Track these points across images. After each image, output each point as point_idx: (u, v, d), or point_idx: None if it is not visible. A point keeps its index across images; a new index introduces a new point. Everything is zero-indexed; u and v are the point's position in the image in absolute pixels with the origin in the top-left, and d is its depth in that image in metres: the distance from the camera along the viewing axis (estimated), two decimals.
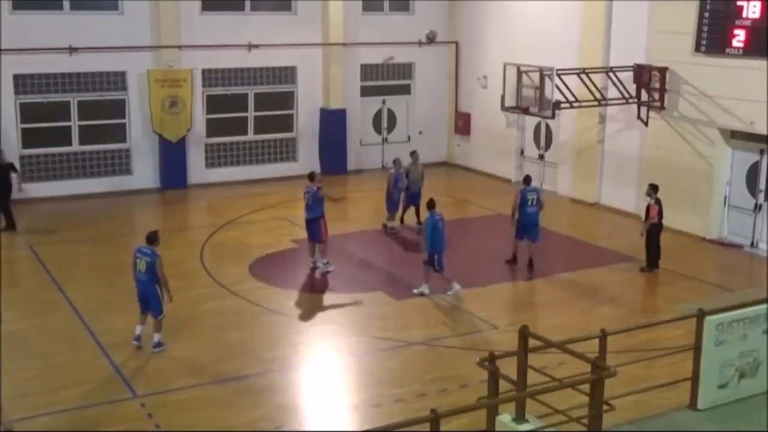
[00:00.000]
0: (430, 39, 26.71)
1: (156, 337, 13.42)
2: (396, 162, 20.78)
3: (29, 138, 22.91)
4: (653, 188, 17.42)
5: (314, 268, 17.33)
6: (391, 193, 20.34)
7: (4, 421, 10.37)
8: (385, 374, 12.85)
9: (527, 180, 18.23)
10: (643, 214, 17.86)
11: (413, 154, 21.13)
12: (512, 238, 18.01)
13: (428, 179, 21.38)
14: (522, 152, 25.89)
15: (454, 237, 20.13)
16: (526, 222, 17.66)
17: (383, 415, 11.40)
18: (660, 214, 17.28)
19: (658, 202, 17.25)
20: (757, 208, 19.19)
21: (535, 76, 20.09)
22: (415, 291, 16.08)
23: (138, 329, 13.50)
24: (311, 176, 17.74)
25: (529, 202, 17.65)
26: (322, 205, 17.19)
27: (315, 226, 17.22)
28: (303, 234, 19.88)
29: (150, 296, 13.35)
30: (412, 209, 20.84)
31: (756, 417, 10.12)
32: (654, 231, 17.38)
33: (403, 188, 20.37)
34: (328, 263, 17.33)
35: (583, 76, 20.51)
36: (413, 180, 20.56)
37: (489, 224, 21.42)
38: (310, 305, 15.59)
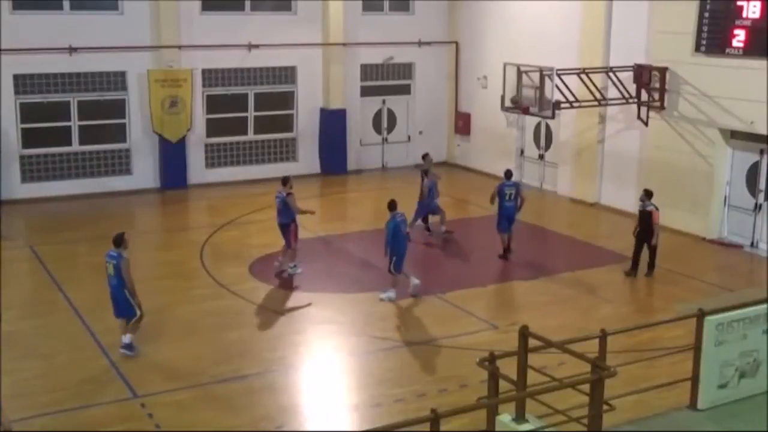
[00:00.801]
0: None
1: (127, 338, 13.14)
2: (426, 158, 20.71)
3: (29, 138, 22.91)
4: (648, 194, 17.05)
5: (281, 272, 17.07)
6: (426, 202, 19.91)
7: (3, 421, 10.36)
8: (385, 374, 12.86)
9: (508, 174, 18.64)
10: (655, 218, 17.01)
11: (426, 156, 20.98)
12: (498, 234, 18.60)
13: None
14: (522, 152, 25.89)
15: (455, 237, 20.17)
16: (504, 215, 18.27)
17: (383, 415, 11.40)
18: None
19: (656, 208, 16.94)
20: (757, 208, 19.19)
21: (535, 76, 20.08)
22: (383, 296, 15.78)
23: (124, 338, 13.20)
24: (284, 180, 17.40)
25: (507, 197, 18.22)
26: (293, 211, 16.92)
27: (286, 231, 17.01)
28: (303, 233, 19.90)
29: (119, 300, 13.11)
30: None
31: (756, 417, 10.12)
32: (647, 237, 17.01)
33: (436, 196, 20.01)
34: (294, 266, 17.05)
35: (583, 76, 20.51)
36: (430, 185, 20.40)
37: (489, 224, 21.29)
38: (310, 305, 15.57)
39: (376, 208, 22.68)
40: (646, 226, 16.99)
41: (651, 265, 17.32)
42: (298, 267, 17.18)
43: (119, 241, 13.14)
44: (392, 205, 15.91)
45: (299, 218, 17.23)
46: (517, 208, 18.35)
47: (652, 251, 17.20)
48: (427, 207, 20.02)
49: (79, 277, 17.08)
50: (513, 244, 18.43)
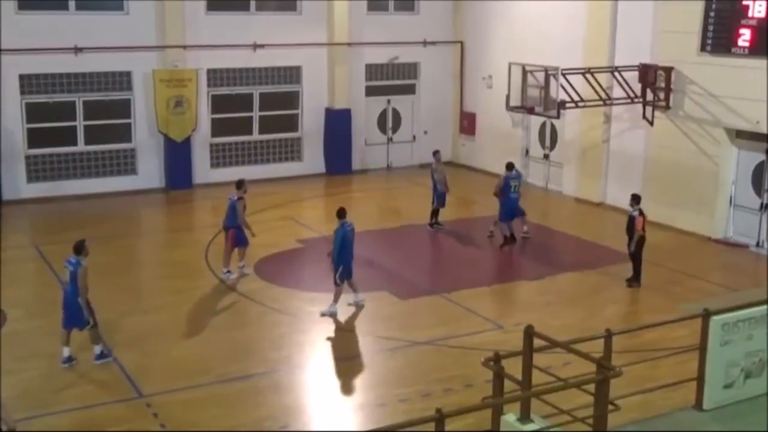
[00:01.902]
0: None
1: (96, 349, 12.97)
2: (436, 154, 20.74)
3: (35, 138, 22.94)
4: (635, 199, 16.55)
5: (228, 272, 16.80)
6: (503, 201, 19.21)
7: (5, 419, 10.36)
8: (389, 374, 12.85)
9: (510, 166, 18.91)
10: (637, 224, 16.47)
11: (436, 153, 20.96)
12: (499, 224, 18.89)
13: None
14: (527, 152, 25.87)
15: (459, 237, 20.17)
16: (511, 206, 18.58)
17: (388, 414, 11.39)
18: (643, 226, 16.45)
19: (641, 213, 16.45)
20: (763, 207, 19.14)
21: (541, 76, 20.06)
22: (324, 311, 15.04)
23: (65, 351, 12.87)
24: (238, 184, 16.96)
25: (512, 188, 18.48)
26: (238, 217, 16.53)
27: (239, 233, 16.73)
28: (308, 233, 19.97)
29: (71, 307, 12.79)
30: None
31: (762, 417, 10.10)
32: (639, 244, 16.49)
33: (517, 195, 19.51)
34: (228, 272, 16.82)
35: (588, 75, 20.49)
36: (439, 180, 20.38)
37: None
38: (315, 305, 15.57)
39: (381, 208, 22.74)
40: (629, 231, 16.51)
41: (634, 276, 16.66)
42: (232, 273, 16.84)
43: (79, 249, 12.88)
44: (341, 213, 14.94)
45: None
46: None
47: (633, 260, 16.60)
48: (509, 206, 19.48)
49: None
50: (517, 240, 18.60)
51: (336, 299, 15.09)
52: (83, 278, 12.69)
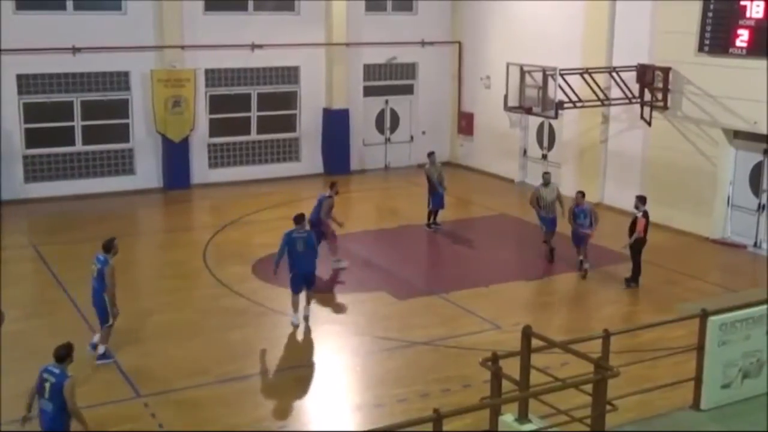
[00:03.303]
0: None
1: (101, 349, 13.05)
2: (431, 155, 20.73)
3: (33, 138, 22.93)
4: (641, 200, 16.62)
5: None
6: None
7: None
8: (387, 374, 12.86)
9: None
10: (635, 224, 16.55)
11: (431, 155, 20.95)
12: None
13: None
14: (525, 152, 25.89)
15: (457, 237, 20.18)
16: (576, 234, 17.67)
17: (386, 415, 11.40)
18: (645, 228, 16.46)
19: (645, 215, 16.47)
20: (761, 208, 19.16)
21: (538, 76, 20.06)
22: (293, 321, 14.63)
23: (101, 348, 13.08)
24: (331, 185, 17.67)
25: (581, 216, 17.41)
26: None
27: (320, 230, 17.10)
28: None
29: (98, 303, 12.98)
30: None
31: (759, 417, 10.11)
32: (638, 246, 16.54)
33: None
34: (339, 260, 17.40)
35: (586, 75, 20.50)
36: (434, 181, 20.35)
37: (492, 224, 21.42)
38: (313, 305, 15.57)
39: (379, 208, 22.75)
40: (632, 232, 16.50)
41: (632, 276, 16.67)
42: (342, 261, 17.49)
43: (109, 246, 13.01)
44: (297, 219, 14.72)
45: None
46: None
47: (632, 260, 16.60)
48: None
49: (82, 277, 16.91)
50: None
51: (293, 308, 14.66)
52: (111, 276, 12.78)
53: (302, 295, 14.71)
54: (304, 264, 14.50)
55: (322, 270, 17.43)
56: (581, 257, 17.31)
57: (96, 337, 13.17)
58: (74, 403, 9.49)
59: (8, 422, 11.08)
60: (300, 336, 14.34)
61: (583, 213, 17.21)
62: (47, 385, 9.56)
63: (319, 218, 17.15)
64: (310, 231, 14.76)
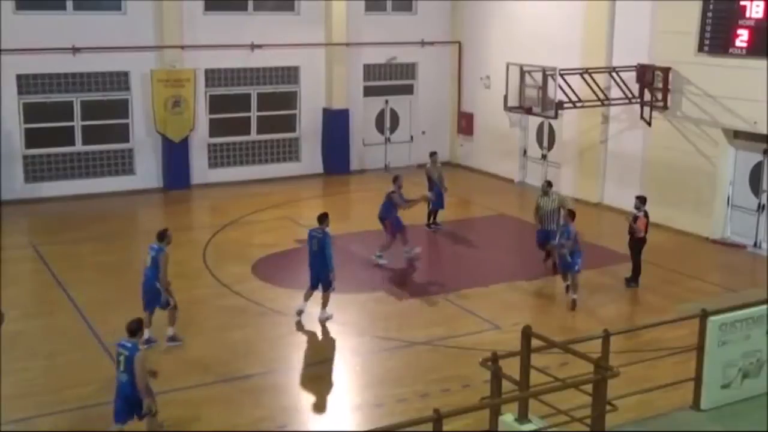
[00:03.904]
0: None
1: (170, 331, 13.59)
2: (433, 155, 20.78)
3: (32, 138, 22.93)
4: (641, 200, 16.61)
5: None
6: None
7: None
8: (387, 374, 12.86)
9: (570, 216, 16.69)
10: (639, 224, 16.45)
11: (433, 155, 20.94)
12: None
13: None
14: (525, 152, 25.89)
15: (457, 237, 20.18)
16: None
17: (386, 415, 11.40)
18: (646, 228, 16.45)
19: (646, 215, 16.47)
20: (761, 208, 19.17)
21: (538, 76, 20.07)
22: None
23: (146, 332, 12.99)
24: (395, 179, 18.30)
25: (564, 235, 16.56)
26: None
27: (396, 222, 17.91)
28: (306, 234, 19.92)
29: (150, 291, 13.48)
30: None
31: (759, 417, 10.12)
32: (638, 245, 16.58)
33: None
34: (380, 256, 17.78)
35: (586, 76, 20.49)
36: (435, 181, 20.36)
37: (492, 224, 21.43)
38: (313, 305, 15.57)
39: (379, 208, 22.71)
40: (632, 231, 16.52)
41: (632, 276, 16.70)
42: (383, 257, 17.95)
43: (162, 236, 13.55)
44: (319, 218, 14.78)
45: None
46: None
47: (632, 260, 16.65)
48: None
49: (82, 277, 17.09)
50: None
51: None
52: (164, 263, 13.29)
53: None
54: (314, 263, 14.70)
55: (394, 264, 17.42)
56: (567, 283, 15.92)
57: (147, 333, 13.17)
58: (143, 374, 10.19)
59: (8, 422, 11.08)
60: (300, 336, 14.34)
61: (567, 233, 15.67)
62: (121, 358, 10.29)
63: (392, 215, 17.98)
64: (326, 233, 14.68)
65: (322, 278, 14.67)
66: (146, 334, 13.14)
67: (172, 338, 13.60)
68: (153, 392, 10.54)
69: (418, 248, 18.30)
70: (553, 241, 16.45)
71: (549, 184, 17.97)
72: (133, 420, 10.34)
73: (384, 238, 18.11)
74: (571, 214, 15.96)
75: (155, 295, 13.45)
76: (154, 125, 23.84)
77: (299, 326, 14.67)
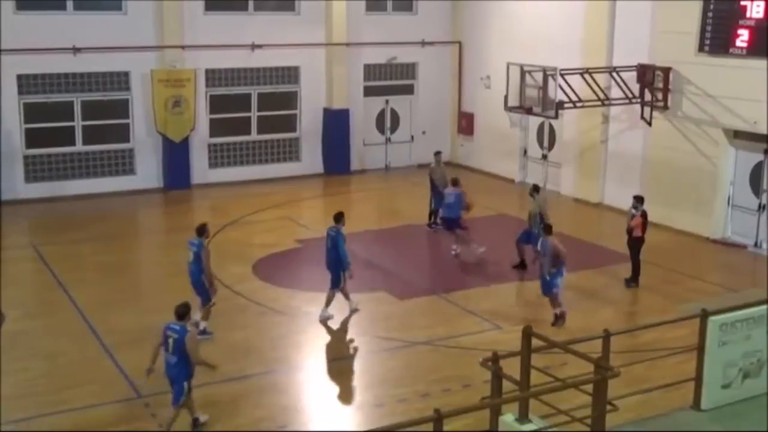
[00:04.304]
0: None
1: (201, 325, 13.77)
2: (437, 155, 20.79)
3: (33, 138, 22.93)
4: (638, 200, 16.59)
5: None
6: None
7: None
8: (388, 374, 12.86)
9: (537, 189, 17.92)
10: (632, 222, 16.52)
11: (437, 154, 20.92)
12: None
13: None
14: (525, 152, 25.89)
15: (457, 237, 20.15)
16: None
17: (386, 415, 11.41)
18: (643, 227, 16.45)
19: (643, 214, 16.43)
20: (761, 208, 19.16)
21: (539, 76, 20.07)
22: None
23: (201, 324, 13.80)
24: (454, 181, 18.45)
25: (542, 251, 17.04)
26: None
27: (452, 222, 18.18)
28: (307, 234, 19.99)
29: (196, 285, 13.85)
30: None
31: (759, 417, 10.11)
32: (637, 245, 16.58)
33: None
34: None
35: (587, 75, 20.49)
36: (438, 181, 20.34)
37: (492, 224, 21.40)
38: (313, 305, 15.58)
39: (380, 208, 22.73)
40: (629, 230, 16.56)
41: (633, 276, 16.70)
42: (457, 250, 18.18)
43: (201, 231, 13.93)
44: (335, 216, 15.01)
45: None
46: None
47: (632, 260, 16.65)
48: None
49: (83, 278, 17.10)
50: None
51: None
52: (207, 257, 13.71)
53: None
54: (327, 260, 14.86)
55: (320, 270, 17.44)
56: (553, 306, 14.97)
57: (201, 324, 13.73)
58: (197, 353, 10.78)
59: (8, 422, 11.08)
60: (300, 336, 14.34)
61: (544, 248, 14.89)
62: (170, 340, 10.79)
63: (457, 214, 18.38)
64: (339, 231, 14.83)
65: (332, 274, 14.81)
66: (201, 325, 13.75)
67: (203, 332, 13.70)
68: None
69: (483, 248, 18.49)
70: (534, 246, 16.18)
71: (535, 188, 17.98)
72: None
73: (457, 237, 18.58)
74: (547, 228, 15.12)
75: (199, 289, 13.81)
76: (155, 125, 23.84)
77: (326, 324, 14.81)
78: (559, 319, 14.72)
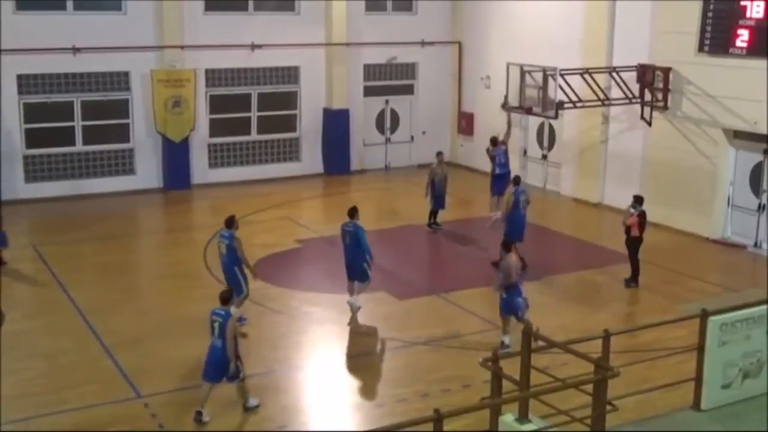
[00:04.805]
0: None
1: (236, 313, 13.68)
2: (439, 155, 20.79)
3: (33, 138, 22.93)
4: (637, 200, 16.54)
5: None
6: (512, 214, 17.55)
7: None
8: (387, 374, 12.87)
9: (517, 180, 17.98)
10: (628, 221, 16.49)
11: (439, 154, 20.92)
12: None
13: None
14: (525, 152, 25.88)
15: (457, 237, 20.18)
16: (520, 224, 17.39)
17: (386, 415, 11.41)
18: (641, 227, 16.41)
19: (641, 214, 16.39)
20: (761, 208, 19.16)
21: (538, 76, 20.07)
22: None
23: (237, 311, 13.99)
24: (516, 180, 17.94)
25: (522, 204, 17.33)
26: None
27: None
28: (307, 234, 20.00)
29: (229, 276, 14.10)
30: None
31: (759, 417, 10.11)
32: (635, 244, 16.55)
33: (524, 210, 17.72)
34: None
35: (587, 76, 20.49)
36: (438, 182, 20.35)
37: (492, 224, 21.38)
38: (313, 305, 15.58)
39: (380, 208, 22.73)
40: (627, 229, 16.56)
41: (632, 276, 16.70)
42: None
43: (231, 223, 14.22)
44: (349, 212, 14.87)
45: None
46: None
47: (631, 260, 16.64)
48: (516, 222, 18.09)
49: (82, 278, 17.10)
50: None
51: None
52: (240, 247, 14.03)
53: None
54: (347, 255, 14.75)
55: (320, 270, 17.45)
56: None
57: (236, 312, 13.64)
58: (234, 337, 11.14)
59: (8, 422, 11.08)
60: (300, 336, 14.34)
61: (503, 269, 13.64)
62: (216, 325, 11.20)
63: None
64: (357, 225, 14.73)
65: (356, 270, 14.72)
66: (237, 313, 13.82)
67: (239, 318, 13.79)
68: (241, 357, 11.34)
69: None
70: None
71: (516, 179, 18.16)
72: (222, 381, 11.23)
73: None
74: (505, 245, 13.86)
75: (231, 280, 14.00)
76: (155, 125, 23.84)
77: (353, 320, 14.81)
78: (503, 347, 13.14)
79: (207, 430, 11.09)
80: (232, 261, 14.04)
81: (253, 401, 11.73)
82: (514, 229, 17.28)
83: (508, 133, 21.33)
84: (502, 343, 13.44)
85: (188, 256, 18.42)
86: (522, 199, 17.37)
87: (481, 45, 26.83)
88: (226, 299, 11.45)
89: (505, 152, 20.64)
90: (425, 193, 20.35)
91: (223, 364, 11.16)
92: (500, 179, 20.23)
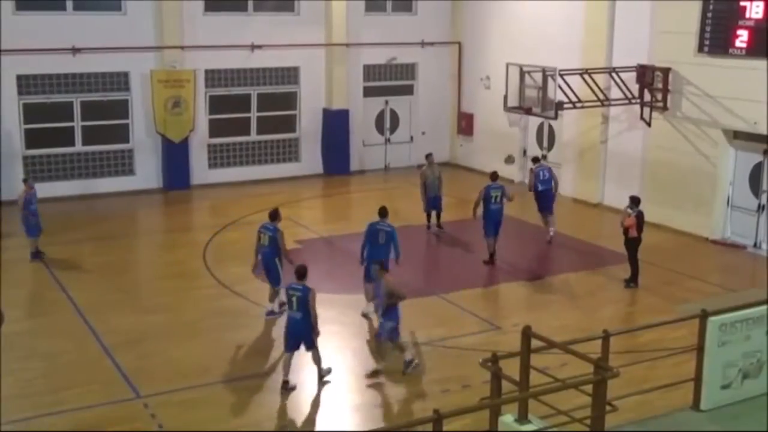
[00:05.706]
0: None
1: (269, 306, 14.80)
2: (429, 157, 20.76)
3: (32, 138, 22.93)
4: (634, 201, 16.54)
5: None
6: (484, 213, 17.97)
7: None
8: (387, 374, 12.83)
9: (494, 177, 18.31)
10: (625, 221, 16.52)
11: (429, 156, 20.93)
12: (484, 238, 18.09)
13: None
14: (525, 152, 25.88)
15: (458, 237, 20.18)
16: (492, 218, 17.84)
17: (386, 415, 11.40)
18: (639, 227, 16.40)
19: (639, 215, 16.39)
20: (760, 208, 19.17)
21: (538, 77, 20.08)
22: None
23: (268, 306, 14.89)
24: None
25: (494, 199, 17.80)
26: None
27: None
28: (307, 234, 19.99)
29: (270, 268, 14.61)
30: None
31: (759, 418, 10.11)
32: (633, 245, 16.57)
33: (499, 207, 18.05)
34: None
35: (586, 76, 20.49)
36: (430, 183, 20.36)
37: None
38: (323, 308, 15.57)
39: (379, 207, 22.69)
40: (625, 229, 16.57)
41: (632, 276, 16.73)
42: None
43: (274, 215, 14.73)
44: (381, 212, 15.17)
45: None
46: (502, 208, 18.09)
47: (630, 261, 16.65)
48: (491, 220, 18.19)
49: (82, 278, 17.10)
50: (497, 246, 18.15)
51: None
52: (282, 239, 14.56)
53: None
54: (381, 254, 14.63)
55: (320, 271, 17.46)
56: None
57: (268, 306, 14.75)
58: (315, 309, 12.01)
59: (8, 422, 11.09)
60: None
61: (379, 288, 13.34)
62: (294, 299, 12.07)
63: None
64: (392, 225, 15.05)
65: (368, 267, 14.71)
66: (268, 306, 14.81)
67: (271, 312, 14.67)
68: (317, 324, 12.13)
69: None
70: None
71: (493, 175, 18.39)
72: (299, 350, 12.16)
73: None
74: (380, 264, 13.32)
75: (271, 271, 14.59)
76: (154, 126, 23.84)
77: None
78: (408, 366, 12.73)
79: (207, 430, 11.08)
80: (274, 253, 14.52)
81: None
82: (488, 223, 17.86)
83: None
84: (405, 361, 12.79)
85: (188, 256, 18.43)
86: (493, 195, 17.79)
87: (481, 45, 26.84)
88: (302, 274, 12.22)
89: (549, 169, 20.08)
90: (421, 197, 20.33)
91: (301, 334, 12.05)
92: (543, 195, 19.60)
